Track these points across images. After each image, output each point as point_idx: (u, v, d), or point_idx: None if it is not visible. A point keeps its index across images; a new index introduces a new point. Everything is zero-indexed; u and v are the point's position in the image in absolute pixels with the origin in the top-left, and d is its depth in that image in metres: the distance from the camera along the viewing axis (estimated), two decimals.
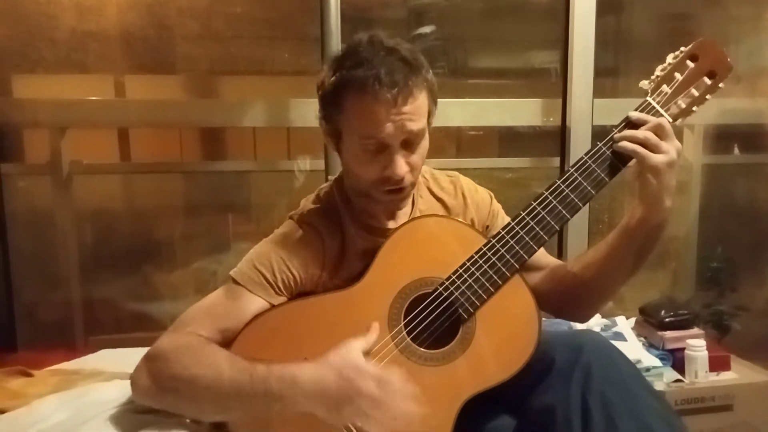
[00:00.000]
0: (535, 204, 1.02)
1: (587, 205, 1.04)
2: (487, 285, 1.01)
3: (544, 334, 0.99)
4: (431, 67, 1.04)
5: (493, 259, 1.01)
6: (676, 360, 1.63)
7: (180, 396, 0.96)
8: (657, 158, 0.96)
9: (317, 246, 1.09)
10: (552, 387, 0.93)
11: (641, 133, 0.99)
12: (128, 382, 1.01)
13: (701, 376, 1.58)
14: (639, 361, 1.59)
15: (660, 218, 1.01)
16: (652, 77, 1.06)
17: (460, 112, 2.01)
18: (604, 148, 1.02)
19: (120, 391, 1.14)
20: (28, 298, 1.93)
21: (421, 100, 1.00)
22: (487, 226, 1.19)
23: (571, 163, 1.03)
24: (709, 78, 1.04)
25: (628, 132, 1.00)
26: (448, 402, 0.97)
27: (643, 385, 0.93)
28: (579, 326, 1.57)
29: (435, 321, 1.02)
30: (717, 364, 1.63)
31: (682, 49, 1.06)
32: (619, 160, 1.01)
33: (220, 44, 2.10)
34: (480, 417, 1.01)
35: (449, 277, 1.02)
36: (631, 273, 1.08)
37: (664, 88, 1.04)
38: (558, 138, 1.97)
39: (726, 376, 1.64)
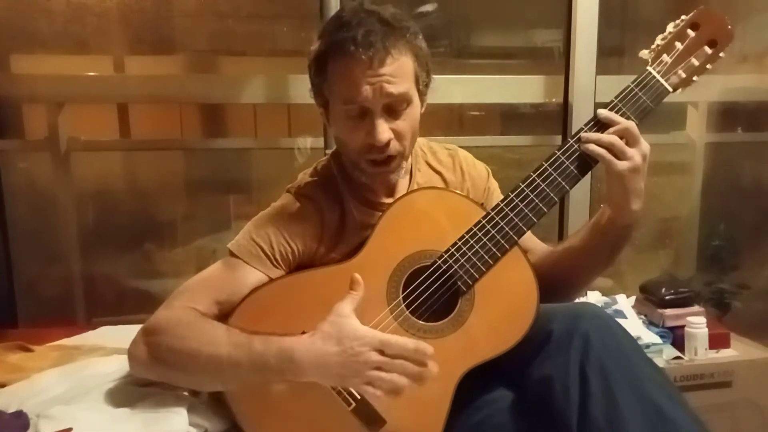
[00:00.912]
0: (534, 176, 1.02)
1: (588, 174, 1.03)
2: (486, 257, 1.00)
3: (542, 306, 0.99)
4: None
5: (492, 231, 1.01)
6: (676, 337, 1.62)
7: (177, 369, 0.96)
8: (621, 165, 0.96)
9: (315, 219, 1.08)
10: (550, 357, 0.93)
11: (607, 137, 0.98)
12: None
13: (701, 353, 1.58)
14: (639, 338, 1.58)
15: (628, 220, 1.01)
16: (653, 46, 1.05)
17: (462, 89, 2.00)
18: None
19: (119, 365, 1.14)
20: (28, 275, 1.93)
21: (403, 62, 0.98)
22: (482, 204, 1.17)
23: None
24: (710, 47, 1.03)
25: (594, 135, 0.99)
26: (448, 373, 0.97)
27: (641, 355, 0.92)
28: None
29: (434, 294, 1.01)
30: (717, 342, 1.62)
31: (683, 17, 1.04)
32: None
33: (220, 21, 2.08)
34: (478, 389, 1.01)
35: (448, 249, 1.01)
36: (605, 265, 1.10)
37: (665, 57, 1.03)
38: (560, 117, 1.95)
39: (725, 353, 1.63)
